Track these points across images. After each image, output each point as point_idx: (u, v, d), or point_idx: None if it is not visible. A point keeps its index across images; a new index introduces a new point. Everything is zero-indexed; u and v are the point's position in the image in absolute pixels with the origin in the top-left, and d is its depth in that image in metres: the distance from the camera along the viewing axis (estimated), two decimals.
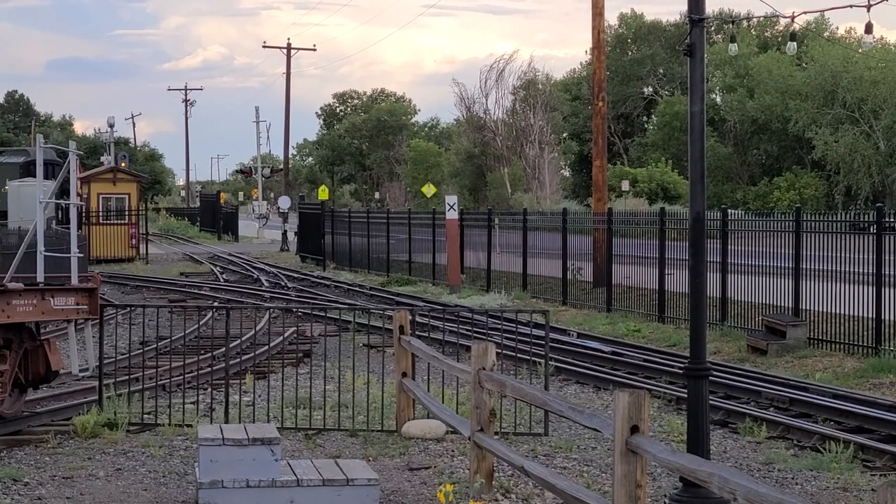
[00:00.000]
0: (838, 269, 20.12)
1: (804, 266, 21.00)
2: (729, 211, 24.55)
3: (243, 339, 19.88)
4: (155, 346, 19.45)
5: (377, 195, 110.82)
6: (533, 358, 15.48)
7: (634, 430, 7.33)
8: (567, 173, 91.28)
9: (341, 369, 14.77)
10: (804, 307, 20.93)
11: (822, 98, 69.88)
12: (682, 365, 14.24)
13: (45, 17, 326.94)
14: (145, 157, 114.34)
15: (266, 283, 36.02)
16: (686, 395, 10.23)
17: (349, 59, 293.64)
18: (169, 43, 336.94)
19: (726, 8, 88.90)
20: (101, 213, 50.41)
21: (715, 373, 15.03)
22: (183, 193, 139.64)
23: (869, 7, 22.65)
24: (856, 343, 19.40)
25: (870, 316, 19.18)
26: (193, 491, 10.39)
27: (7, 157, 57.70)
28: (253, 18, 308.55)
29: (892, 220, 20.01)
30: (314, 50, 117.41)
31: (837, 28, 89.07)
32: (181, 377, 15.66)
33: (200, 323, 22.71)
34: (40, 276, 14.00)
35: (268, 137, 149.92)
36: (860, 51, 68.12)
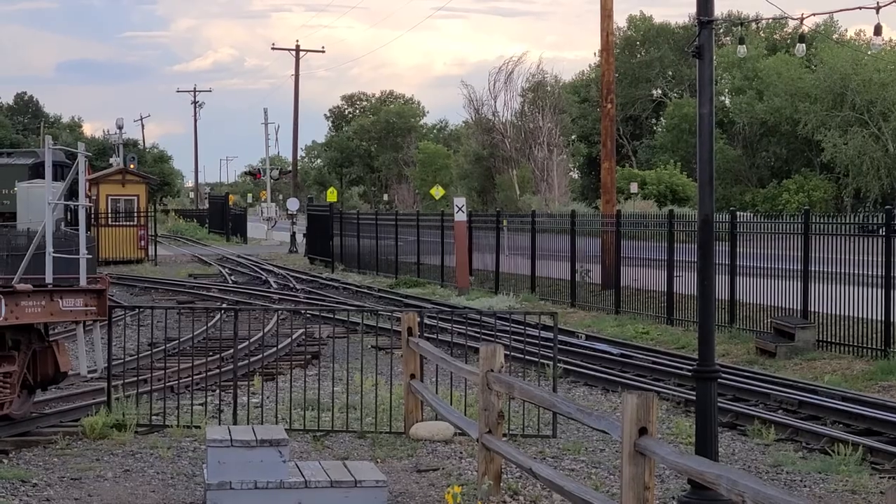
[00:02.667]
0: (847, 271, 20.08)
1: (813, 268, 20.97)
2: (738, 213, 24.50)
3: (251, 340, 19.89)
4: (163, 347, 19.46)
5: (386, 197, 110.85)
6: (541, 360, 15.48)
7: (643, 432, 7.32)
8: (575, 175, 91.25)
9: (349, 371, 14.77)
10: (813, 309, 20.89)
11: (831, 100, 69.78)
12: (690, 367, 14.23)
13: (55, 19, 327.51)
14: (154, 159, 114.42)
15: (274, 285, 36.04)
16: (694, 398, 10.22)
17: (359, 61, 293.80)
18: (179, 45, 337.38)
19: (735, 10, 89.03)
20: (109, 215, 50.48)
21: (723, 375, 15.01)
22: (192, 195, 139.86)
23: (878, 9, 22.61)
24: (865, 346, 19.36)
25: (879, 318, 19.15)
26: (201, 492, 10.39)
27: (16, 159, 57.82)
28: (263, 20, 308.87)
29: None
30: (322, 52, 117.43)
31: (846, 30, 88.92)
32: (189, 378, 15.67)
33: (209, 324, 22.74)
34: (49, 278, 14.02)
35: (276, 139, 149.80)
36: (869, 53, 68.09)
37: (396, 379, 15.06)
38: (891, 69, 68.41)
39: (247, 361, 17.93)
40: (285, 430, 10.74)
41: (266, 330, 21.55)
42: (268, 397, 15.39)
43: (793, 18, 25.14)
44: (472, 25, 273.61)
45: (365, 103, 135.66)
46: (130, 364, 17.59)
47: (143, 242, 50.84)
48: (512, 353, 14.73)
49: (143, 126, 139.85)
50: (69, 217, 45.07)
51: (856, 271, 19.92)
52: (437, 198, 70.21)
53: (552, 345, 13.92)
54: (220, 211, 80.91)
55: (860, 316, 19.65)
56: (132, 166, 59.63)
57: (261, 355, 18.86)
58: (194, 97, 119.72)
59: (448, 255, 36.01)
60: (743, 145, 79.50)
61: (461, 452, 12.50)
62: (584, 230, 30.53)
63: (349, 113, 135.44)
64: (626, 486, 7.38)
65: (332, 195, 66.97)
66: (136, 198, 51.54)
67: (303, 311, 22.26)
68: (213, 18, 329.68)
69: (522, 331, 16.53)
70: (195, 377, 15.93)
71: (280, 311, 23.26)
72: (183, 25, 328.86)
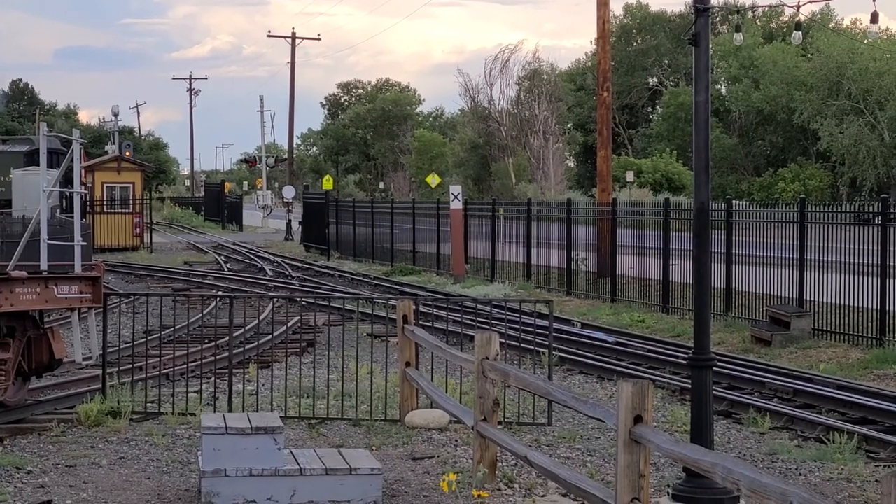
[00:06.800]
0: (843, 260, 20.09)
1: (808, 257, 20.98)
2: (733, 202, 24.48)
3: (247, 328, 19.86)
4: (159, 334, 19.47)
5: (382, 185, 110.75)
6: (536, 348, 15.46)
7: (638, 420, 7.32)
8: (571, 164, 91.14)
9: (345, 359, 14.77)
10: (808, 298, 20.91)
11: (827, 89, 69.73)
12: (685, 355, 14.23)
13: (53, 5, 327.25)
14: (150, 146, 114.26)
15: (270, 273, 36.02)
16: (690, 386, 10.22)
17: (357, 49, 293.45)
18: (177, 32, 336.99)
19: None
20: (105, 202, 50.44)
21: (719, 363, 15.01)
22: (187, 183, 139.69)
23: None
24: (860, 334, 19.37)
25: (874, 307, 19.16)
26: (196, 479, 10.39)
27: (11, 146, 57.65)
28: (262, 8, 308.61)
29: None
30: (318, 39, 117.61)
31: (843, 19, 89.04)
32: (185, 366, 15.65)
33: (204, 312, 22.71)
34: (44, 265, 14.01)
35: (272, 127, 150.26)
36: (866, 41, 68.00)
37: (392, 367, 15.04)
38: (887, 58, 68.35)
39: (242, 349, 17.90)
40: (280, 417, 10.73)
41: (261, 317, 21.52)
42: (263, 385, 15.36)
43: (789, 6, 25.13)
44: (471, 13, 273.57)
45: (361, 91, 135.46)
46: (125, 351, 17.54)
47: (138, 230, 50.79)
48: (507, 342, 14.73)
49: (138, 113, 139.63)
50: (64, 204, 45.00)
51: (851, 260, 19.94)
52: (432, 186, 70.18)
53: (547, 333, 13.91)
54: (216, 199, 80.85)
55: (855, 304, 19.67)
56: (128, 154, 59.57)
57: (256, 343, 18.84)
58: (190, 85, 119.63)
59: (444, 243, 36.00)
60: (739, 134, 79.48)
61: (456, 440, 12.50)
62: (579, 218, 30.52)
63: (345, 101, 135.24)
64: (622, 474, 7.38)
65: (327, 183, 66.99)
66: (131, 185, 51.49)
67: (298, 299, 22.26)
68: (211, 6, 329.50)
69: (518, 319, 16.51)
70: (190, 364, 15.90)
71: (276, 299, 23.25)
72: (181, 12, 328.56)
